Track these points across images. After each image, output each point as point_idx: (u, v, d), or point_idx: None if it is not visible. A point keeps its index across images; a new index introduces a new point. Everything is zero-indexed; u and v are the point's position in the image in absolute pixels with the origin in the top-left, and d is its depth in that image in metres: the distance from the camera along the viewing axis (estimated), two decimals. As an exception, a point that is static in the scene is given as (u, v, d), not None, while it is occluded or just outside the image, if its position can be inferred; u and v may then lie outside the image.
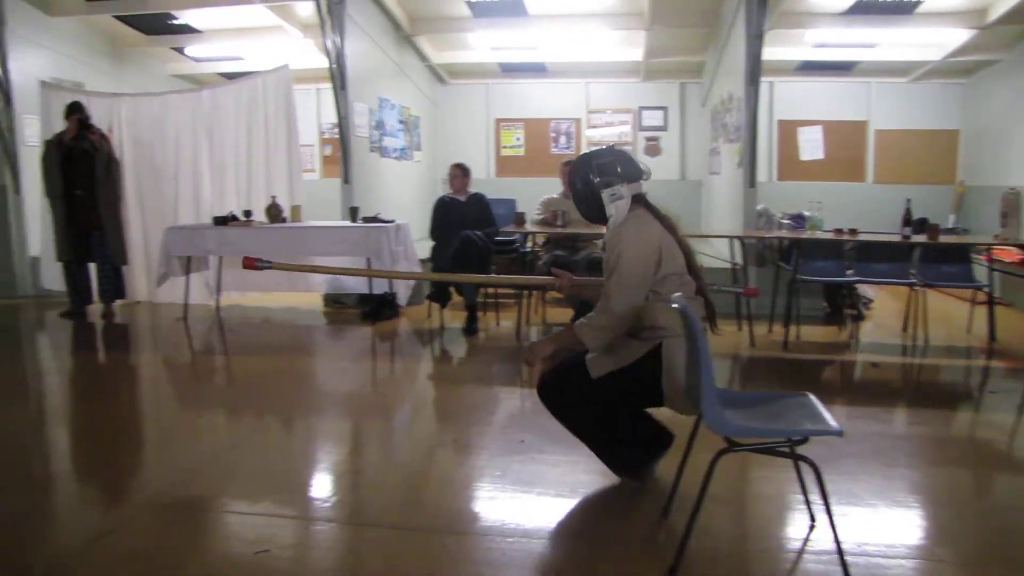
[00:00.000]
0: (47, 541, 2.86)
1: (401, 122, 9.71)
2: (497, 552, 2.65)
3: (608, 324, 2.85)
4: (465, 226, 6.35)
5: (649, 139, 11.79)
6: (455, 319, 6.71)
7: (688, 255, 2.98)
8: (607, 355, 2.92)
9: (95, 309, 7.39)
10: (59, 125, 7.25)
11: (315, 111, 11.59)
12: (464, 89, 12.03)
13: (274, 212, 6.93)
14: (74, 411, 4.87)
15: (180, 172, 7.75)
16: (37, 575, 2.56)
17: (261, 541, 2.71)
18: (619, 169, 2.95)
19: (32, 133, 8.32)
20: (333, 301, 7.45)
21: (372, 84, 8.60)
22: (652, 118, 11.75)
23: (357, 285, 7.14)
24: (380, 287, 6.88)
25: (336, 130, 8.27)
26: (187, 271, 7.02)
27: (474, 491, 3.20)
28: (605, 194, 2.94)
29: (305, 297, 7.71)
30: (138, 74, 10.20)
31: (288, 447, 3.99)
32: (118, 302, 7.46)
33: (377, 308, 6.83)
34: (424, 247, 7.28)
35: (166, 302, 7.66)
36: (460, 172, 6.72)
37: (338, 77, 7.47)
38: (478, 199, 6.72)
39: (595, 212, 3.01)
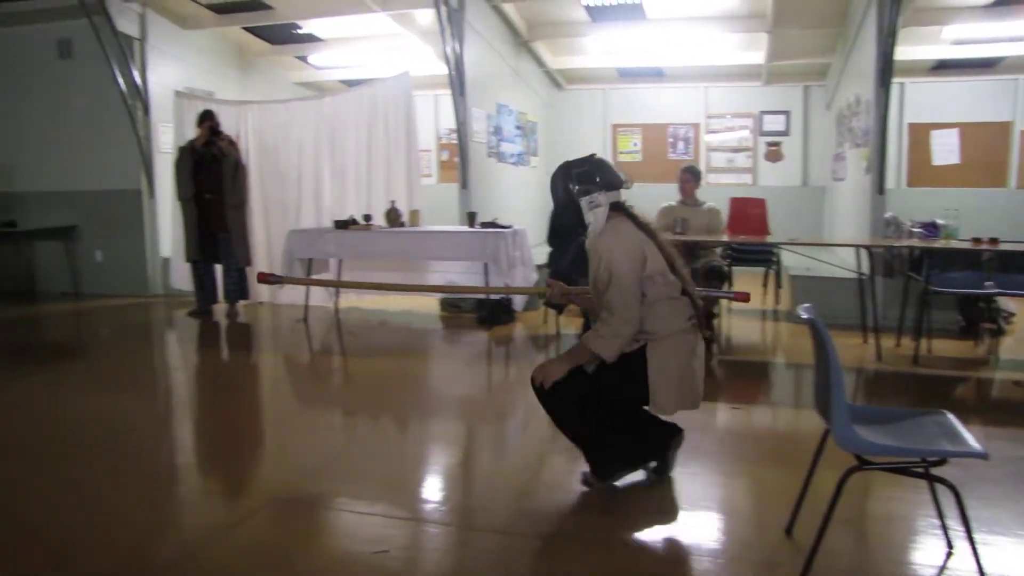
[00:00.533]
0: (173, 531, 3.03)
1: (518, 127, 9.80)
2: (613, 563, 2.64)
3: (618, 332, 2.95)
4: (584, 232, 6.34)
5: (770, 144, 11.50)
6: (570, 325, 6.71)
7: (670, 259, 3.06)
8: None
9: (220, 308, 7.78)
10: (191, 132, 7.68)
11: (433, 117, 11.84)
12: (581, 94, 12.05)
13: (393, 216, 7.11)
14: (199, 406, 5.14)
15: (303, 177, 8.05)
16: (162, 563, 2.70)
17: (379, 541, 2.80)
18: (597, 178, 3.07)
19: (166, 140, 8.85)
20: (449, 305, 7.58)
21: (490, 90, 8.73)
22: (773, 123, 11.47)
23: (473, 289, 7.26)
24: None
25: (453, 135, 8.43)
26: (308, 273, 7.28)
27: (588, 500, 3.19)
28: (583, 202, 3.06)
29: (422, 301, 7.89)
30: (264, 82, 10.67)
31: (403, 449, 4.10)
32: (241, 302, 7.82)
33: (493, 313, 6.91)
34: (540, 253, 7.33)
35: (287, 303, 7.98)
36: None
37: (457, 83, 7.61)
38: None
39: (575, 220, 3.10)
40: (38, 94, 9.29)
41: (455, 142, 8.17)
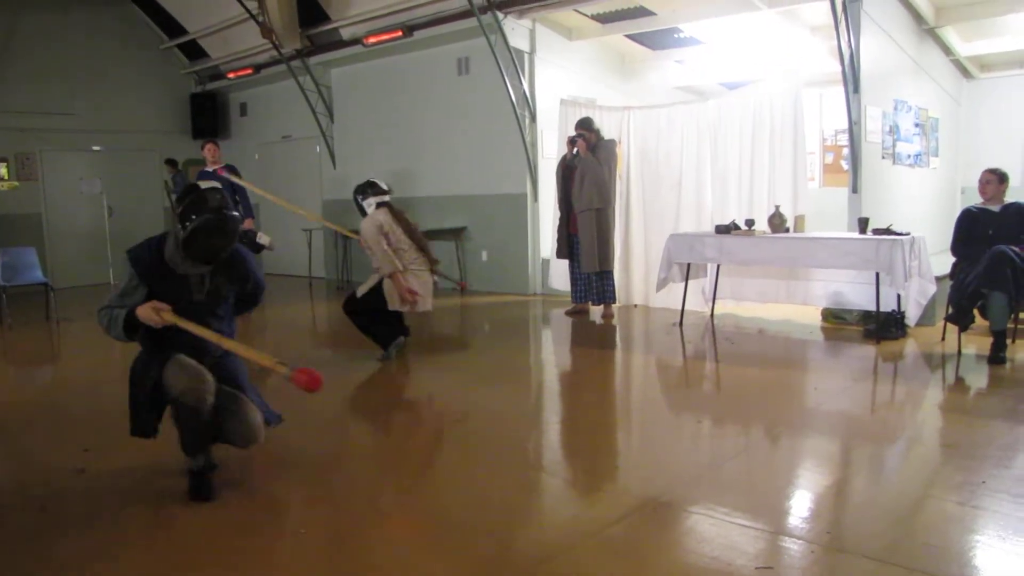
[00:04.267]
0: (540, 526, 3.35)
1: (917, 125, 9.20)
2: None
3: (384, 266, 6.04)
4: (998, 241, 5.83)
5: None
6: (973, 344, 6.24)
7: (410, 233, 6.18)
8: (364, 286, 6.21)
9: (596, 310, 8.28)
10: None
11: (817, 117, 11.49)
12: (996, 83, 10.92)
13: (777, 222, 7.06)
14: (569, 403, 5.55)
15: (683, 181, 8.28)
16: (522, 560, 2.98)
17: (758, 556, 2.87)
18: (367, 191, 6.27)
19: (551, 147, 9.61)
20: (833, 316, 7.38)
21: (887, 85, 8.31)
22: None
23: (861, 300, 6.98)
24: (888, 304, 6.64)
25: (839, 137, 8.15)
26: (686, 278, 7.51)
27: (984, 539, 2.99)
28: (364, 204, 6.26)
29: (802, 310, 7.74)
30: (643, 88, 11.17)
31: (776, 462, 4.11)
32: (615, 305, 8.24)
33: (882, 326, 6.62)
34: (939, 262, 6.87)
35: (660, 307, 8.29)
36: (995, 179, 6.17)
37: (850, 80, 7.36)
38: (1017, 210, 6.09)
39: (363, 214, 6.25)
40: (438, 109, 10.68)
41: (840, 144, 7.90)
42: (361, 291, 6.21)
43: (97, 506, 3.52)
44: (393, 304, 6.08)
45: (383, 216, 6.06)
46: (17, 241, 10.11)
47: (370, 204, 6.17)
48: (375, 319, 6.24)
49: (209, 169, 8.99)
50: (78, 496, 3.65)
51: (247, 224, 8.73)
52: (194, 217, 3.39)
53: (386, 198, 6.21)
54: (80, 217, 12.78)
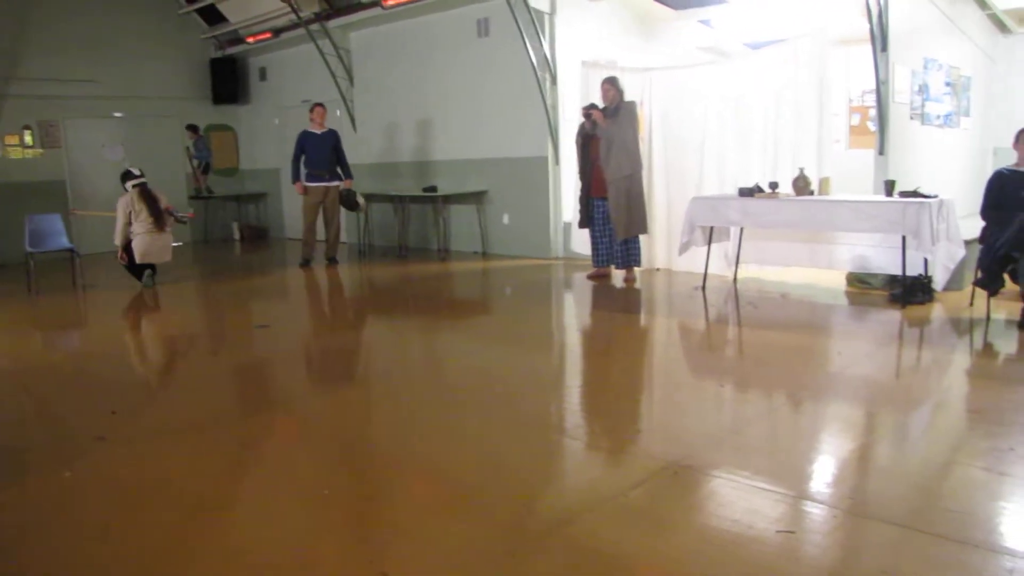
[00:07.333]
0: (560, 490, 3.37)
1: (948, 84, 9.02)
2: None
3: (117, 235, 8.68)
4: (1031, 204, 5.75)
5: None
6: (1003, 309, 6.15)
7: (151, 209, 8.54)
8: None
9: (618, 273, 8.25)
10: (595, 101, 8.19)
11: (843, 77, 11.28)
12: (1035, 38, 10.65)
13: (801, 184, 6.97)
14: (590, 366, 5.55)
15: (706, 143, 8.19)
16: (541, 523, 2.98)
17: (780, 520, 2.86)
18: (126, 177, 8.75)
19: (572, 109, 9.50)
20: (858, 280, 7.31)
21: (916, 43, 8.13)
22: None
23: (886, 264, 6.90)
24: (914, 267, 6.57)
25: (866, 97, 8.01)
26: (708, 241, 7.45)
27: (1012, 506, 2.97)
28: (124, 185, 8.69)
29: (826, 274, 7.66)
30: (665, 49, 10.97)
31: (799, 427, 4.10)
32: (637, 268, 8.20)
33: (909, 291, 6.55)
34: (968, 226, 6.77)
35: (683, 271, 8.25)
36: (1031, 140, 6.08)
37: (878, 38, 7.21)
38: (1050, 173, 6.02)
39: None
40: (459, 71, 10.60)
41: (867, 104, 7.76)
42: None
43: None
44: (137, 259, 8.56)
45: (129, 196, 8.57)
46: (42, 208, 10.19)
47: (128, 186, 8.63)
48: (135, 265, 8.65)
49: (317, 131, 9.77)
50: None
51: (347, 184, 9.96)
52: None
53: (137, 181, 8.67)
54: (103, 184, 12.80)
